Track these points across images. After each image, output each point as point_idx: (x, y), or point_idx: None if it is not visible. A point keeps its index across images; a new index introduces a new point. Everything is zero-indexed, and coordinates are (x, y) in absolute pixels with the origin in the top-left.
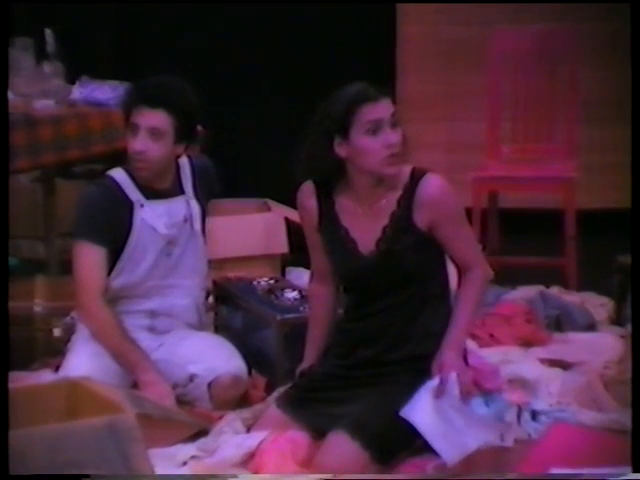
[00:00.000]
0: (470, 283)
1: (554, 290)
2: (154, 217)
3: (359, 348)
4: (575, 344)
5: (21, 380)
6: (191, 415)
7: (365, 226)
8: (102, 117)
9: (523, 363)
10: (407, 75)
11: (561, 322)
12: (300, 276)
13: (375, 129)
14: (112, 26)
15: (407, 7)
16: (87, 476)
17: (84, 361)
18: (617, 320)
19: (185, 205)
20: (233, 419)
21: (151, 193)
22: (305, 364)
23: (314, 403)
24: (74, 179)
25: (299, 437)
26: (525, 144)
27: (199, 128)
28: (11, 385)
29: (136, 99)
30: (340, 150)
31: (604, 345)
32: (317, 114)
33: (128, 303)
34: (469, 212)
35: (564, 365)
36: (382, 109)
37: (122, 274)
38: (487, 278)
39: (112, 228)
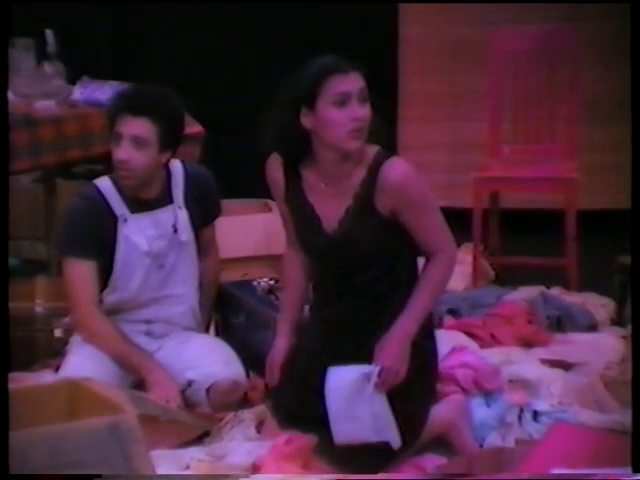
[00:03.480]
0: (430, 270)
1: (555, 291)
2: (138, 232)
3: (334, 341)
4: (576, 345)
5: (22, 381)
6: (194, 416)
7: (329, 204)
8: (103, 118)
9: (524, 364)
10: (409, 76)
11: (562, 323)
12: None
13: (342, 101)
14: (112, 26)
15: (409, 7)
16: (89, 476)
17: (85, 362)
18: (618, 321)
19: (173, 214)
20: (247, 425)
21: (137, 203)
22: (280, 340)
23: (301, 408)
24: (75, 179)
25: (299, 439)
26: (526, 144)
27: (199, 129)
28: (12, 386)
29: (119, 107)
30: (306, 121)
31: (605, 346)
32: (286, 84)
33: (124, 314)
34: (470, 212)
35: (565, 366)
36: (351, 82)
37: (115, 290)
38: (451, 266)
39: (97, 242)
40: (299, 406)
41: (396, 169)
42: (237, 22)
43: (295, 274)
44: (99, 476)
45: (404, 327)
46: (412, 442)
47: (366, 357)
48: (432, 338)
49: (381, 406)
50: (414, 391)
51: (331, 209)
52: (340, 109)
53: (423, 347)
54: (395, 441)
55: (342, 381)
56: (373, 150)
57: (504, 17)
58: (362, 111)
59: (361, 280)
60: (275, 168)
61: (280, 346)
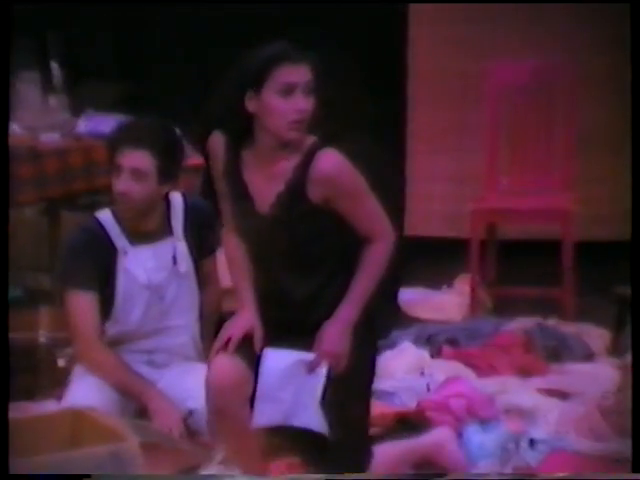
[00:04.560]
0: (368, 256)
1: (552, 321)
2: (137, 265)
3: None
4: (573, 374)
5: (25, 410)
6: (195, 444)
7: (263, 186)
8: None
9: (521, 393)
10: (418, 108)
11: (559, 353)
12: None
13: (288, 91)
14: (114, 34)
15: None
16: (79, 476)
17: (87, 391)
18: (614, 351)
19: (173, 246)
20: None
21: (137, 235)
22: (246, 315)
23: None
24: (79, 211)
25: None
26: (523, 176)
27: (199, 160)
28: (16, 415)
29: (119, 140)
30: (250, 104)
31: (602, 376)
32: (236, 66)
33: (126, 344)
34: (468, 243)
35: (562, 395)
36: (299, 73)
37: (117, 322)
38: (387, 251)
39: (98, 274)
40: None
41: (328, 160)
42: (238, 28)
43: (239, 254)
44: (89, 476)
45: (345, 313)
46: (350, 437)
47: (303, 343)
48: (375, 346)
49: (310, 392)
50: (352, 384)
51: (264, 192)
52: (284, 99)
53: (365, 348)
54: (319, 428)
55: (278, 363)
56: (311, 140)
57: (507, 51)
58: (305, 103)
59: (293, 265)
60: (216, 145)
61: (246, 321)
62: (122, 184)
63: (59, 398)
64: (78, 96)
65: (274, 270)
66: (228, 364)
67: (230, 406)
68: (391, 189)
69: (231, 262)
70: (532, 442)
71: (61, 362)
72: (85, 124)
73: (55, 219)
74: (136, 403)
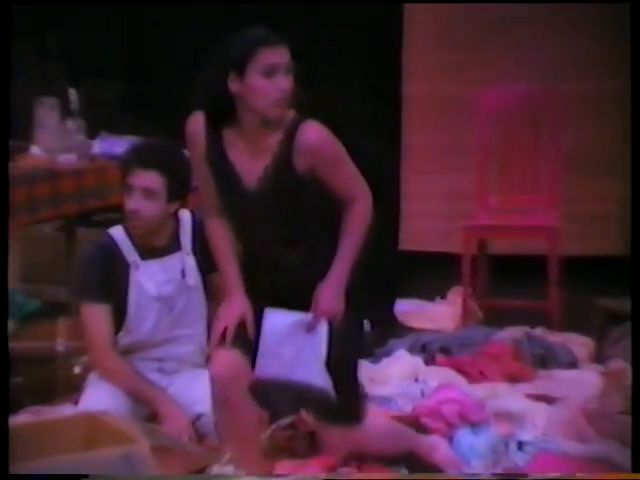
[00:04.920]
0: (351, 217)
1: (539, 331)
2: (148, 278)
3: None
4: (558, 380)
5: (43, 414)
6: (202, 447)
7: (249, 163)
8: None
9: (510, 398)
10: (412, 130)
11: (545, 360)
12: None
13: (270, 72)
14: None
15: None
16: (77, 476)
17: (101, 396)
18: (597, 358)
19: (182, 260)
20: None
21: (147, 250)
22: (238, 302)
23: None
24: (94, 227)
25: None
26: (511, 195)
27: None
28: (34, 418)
29: (131, 161)
30: (233, 86)
31: (585, 381)
32: (219, 50)
33: (138, 353)
34: (460, 258)
35: (549, 400)
36: (280, 55)
37: (129, 333)
38: (367, 211)
39: (111, 288)
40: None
41: (311, 131)
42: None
43: (226, 244)
44: (86, 476)
45: (337, 273)
46: (347, 393)
47: (300, 307)
48: (362, 330)
49: (313, 351)
50: (347, 342)
51: (250, 168)
52: (267, 79)
53: (356, 325)
54: (322, 384)
55: (279, 322)
56: (291, 114)
57: (497, 77)
58: (286, 82)
59: (284, 235)
60: (197, 125)
61: (238, 309)
62: (134, 202)
63: (75, 403)
64: (93, 120)
65: (265, 242)
66: (228, 356)
67: (233, 396)
68: (387, 206)
69: (217, 249)
70: (520, 444)
71: (77, 369)
72: (99, 146)
73: (71, 235)
74: (147, 408)
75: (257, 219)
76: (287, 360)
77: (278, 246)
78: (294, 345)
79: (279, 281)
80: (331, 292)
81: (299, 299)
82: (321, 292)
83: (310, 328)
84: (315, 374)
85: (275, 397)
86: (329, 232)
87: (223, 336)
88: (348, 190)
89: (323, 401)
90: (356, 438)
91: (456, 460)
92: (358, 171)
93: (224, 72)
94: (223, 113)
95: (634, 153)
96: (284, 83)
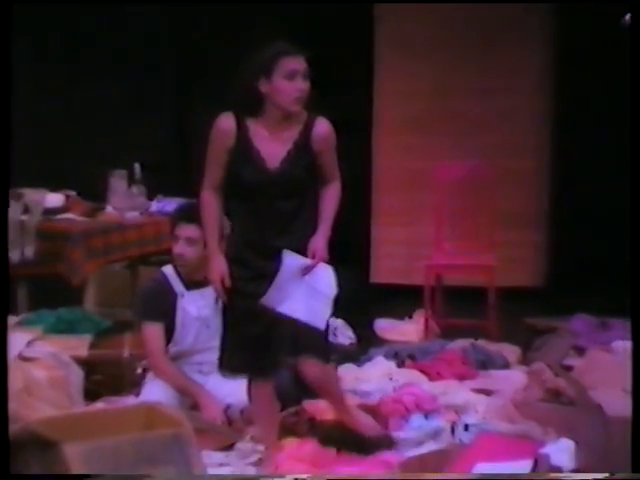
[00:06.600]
0: (331, 191)
1: (481, 342)
2: (191, 304)
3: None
4: (495, 378)
5: (114, 403)
6: (231, 429)
7: (272, 148)
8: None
9: (459, 392)
10: (381, 195)
11: (485, 364)
12: None
13: (291, 76)
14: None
15: (381, 144)
16: (80, 476)
17: (156, 391)
18: (523, 361)
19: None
20: None
21: (191, 283)
22: (220, 257)
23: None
24: (151, 266)
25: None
26: (460, 242)
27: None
28: (108, 406)
29: (177, 217)
30: (263, 87)
31: (514, 379)
32: (250, 60)
33: (184, 359)
34: (422, 288)
35: (487, 392)
36: (298, 63)
37: (177, 344)
38: (339, 189)
39: (163, 311)
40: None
41: (324, 124)
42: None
43: (216, 215)
44: (88, 476)
45: (324, 229)
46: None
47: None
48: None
49: (318, 293)
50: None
51: (274, 152)
52: (289, 82)
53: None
54: (320, 324)
55: (293, 262)
56: (305, 112)
57: (449, 155)
58: (304, 85)
59: (290, 199)
60: (228, 122)
61: (221, 263)
62: (179, 248)
63: (137, 395)
64: (151, 186)
65: (276, 206)
66: None
67: None
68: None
69: (207, 217)
70: (466, 426)
71: (139, 371)
72: (156, 206)
73: (135, 272)
74: (190, 400)
75: (274, 188)
76: (292, 298)
77: (285, 208)
78: (302, 287)
79: (283, 235)
80: (322, 243)
81: (295, 249)
82: (315, 244)
83: (308, 270)
84: (316, 313)
85: (279, 333)
86: (312, 196)
87: (222, 283)
88: (331, 172)
89: (318, 339)
90: (329, 376)
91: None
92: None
93: (255, 76)
94: (252, 109)
95: (634, 155)
96: (302, 85)
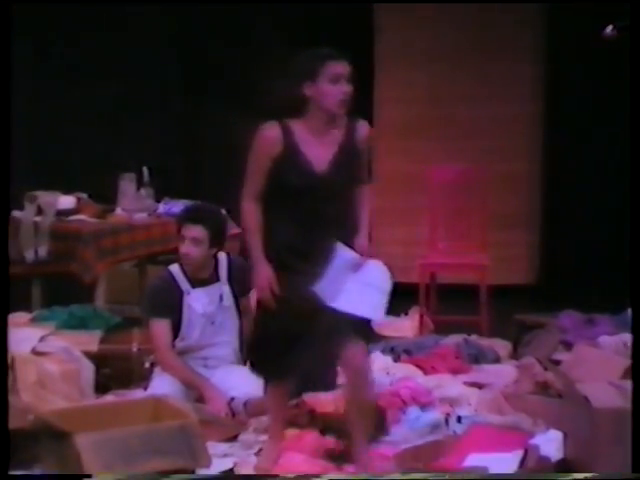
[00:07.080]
0: (367, 191)
1: (473, 337)
2: (196, 301)
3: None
4: (486, 372)
5: (123, 396)
6: (234, 421)
7: (319, 151)
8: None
9: (452, 385)
10: (381, 198)
11: (477, 358)
12: None
13: (335, 80)
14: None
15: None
16: (79, 476)
17: (163, 384)
18: (513, 356)
19: (220, 288)
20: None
21: (196, 281)
22: (265, 266)
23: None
24: (158, 265)
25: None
26: (454, 242)
27: (238, 230)
28: (117, 398)
29: (183, 218)
30: (308, 90)
31: (505, 373)
32: (293, 64)
33: (190, 354)
34: (417, 286)
35: (479, 386)
36: (342, 67)
37: (183, 339)
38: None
39: (169, 308)
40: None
41: (366, 127)
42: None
43: (257, 224)
44: (89, 476)
45: (364, 229)
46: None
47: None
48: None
49: (373, 287)
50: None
51: (321, 154)
52: (334, 85)
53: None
54: (370, 315)
55: (347, 256)
56: (345, 115)
57: (443, 159)
58: (348, 88)
59: (332, 204)
60: (274, 130)
61: (268, 270)
62: (185, 248)
63: (145, 388)
64: (159, 188)
65: (320, 209)
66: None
67: None
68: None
69: (249, 226)
70: (459, 418)
71: (146, 365)
72: (163, 207)
73: (143, 270)
74: (196, 393)
75: (320, 190)
76: (347, 292)
77: (329, 208)
78: (352, 281)
79: (327, 233)
80: (366, 242)
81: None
82: (361, 243)
83: (360, 266)
84: (375, 307)
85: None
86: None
87: (270, 289)
88: (367, 173)
89: (364, 324)
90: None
91: None
92: None
93: (299, 80)
94: (296, 112)
95: (633, 155)
96: (346, 88)
